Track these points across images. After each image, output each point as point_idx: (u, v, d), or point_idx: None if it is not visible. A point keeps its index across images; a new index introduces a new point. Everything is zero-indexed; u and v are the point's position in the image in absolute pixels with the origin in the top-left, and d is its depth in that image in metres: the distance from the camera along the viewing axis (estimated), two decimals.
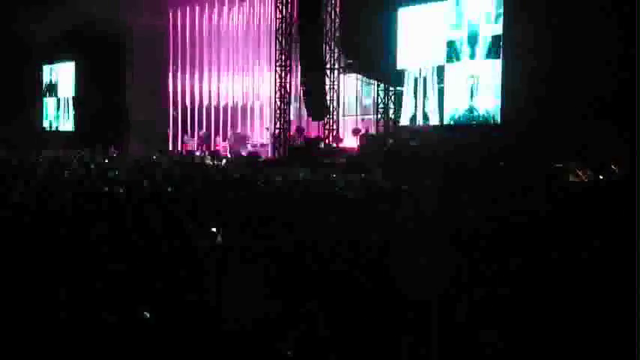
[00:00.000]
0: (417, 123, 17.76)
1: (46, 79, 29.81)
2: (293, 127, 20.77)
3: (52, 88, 29.54)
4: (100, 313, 3.68)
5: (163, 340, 3.58)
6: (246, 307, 3.67)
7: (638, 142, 8.59)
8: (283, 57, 20.42)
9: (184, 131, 25.11)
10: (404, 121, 18.20)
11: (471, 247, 4.69)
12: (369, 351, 3.48)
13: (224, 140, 23.67)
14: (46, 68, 29.55)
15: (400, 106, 18.28)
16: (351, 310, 3.74)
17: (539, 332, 3.53)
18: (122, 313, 3.74)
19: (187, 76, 25.30)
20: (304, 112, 20.89)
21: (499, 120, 15.61)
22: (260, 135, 23.45)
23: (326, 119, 20.44)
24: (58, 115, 29.31)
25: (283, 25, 20.48)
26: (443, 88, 17.00)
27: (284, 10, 20.55)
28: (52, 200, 6.70)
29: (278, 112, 20.55)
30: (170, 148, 24.52)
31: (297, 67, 20.85)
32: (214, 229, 4.94)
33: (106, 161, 15.30)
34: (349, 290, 3.93)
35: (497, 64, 15.68)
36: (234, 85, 24.67)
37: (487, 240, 4.96)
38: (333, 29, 20.42)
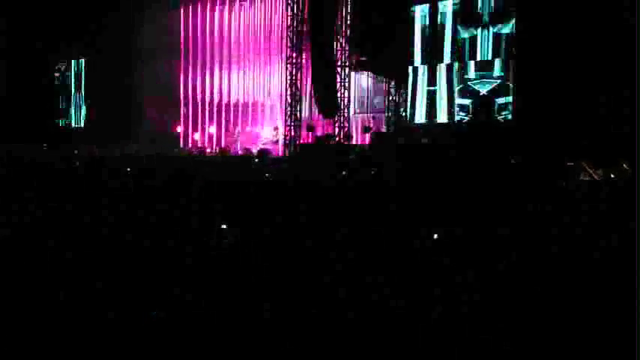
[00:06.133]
0: (428, 121, 17.71)
1: (58, 76, 29.88)
2: (304, 125, 20.72)
3: (64, 85, 29.63)
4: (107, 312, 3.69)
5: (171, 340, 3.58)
6: None
7: (638, 142, 8.55)
8: (294, 54, 20.39)
9: (195, 128, 25.13)
10: (415, 119, 18.15)
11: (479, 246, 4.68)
12: None
13: (232, 137, 23.61)
14: (58, 65, 29.63)
15: (411, 103, 18.24)
16: None
17: (540, 332, 3.51)
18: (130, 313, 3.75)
19: (198, 72, 25.30)
20: (315, 109, 20.84)
21: (510, 118, 15.57)
22: (271, 132, 23.37)
23: (337, 117, 20.38)
24: (70, 111, 29.41)
25: (294, 21, 20.45)
26: (454, 86, 16.97)
27: (295, 6, 20.52)
28: None
29: (289, 109, 20.53)
30: (181, 145, 24.61)
31: (308, 64, 20.79)
32: None
33: None
34: None
35: (509, 63, 15.64)
36: (245, 82, 24.65)
37: (496, 238, 4.95)
38: (344, 26, 20.36)
